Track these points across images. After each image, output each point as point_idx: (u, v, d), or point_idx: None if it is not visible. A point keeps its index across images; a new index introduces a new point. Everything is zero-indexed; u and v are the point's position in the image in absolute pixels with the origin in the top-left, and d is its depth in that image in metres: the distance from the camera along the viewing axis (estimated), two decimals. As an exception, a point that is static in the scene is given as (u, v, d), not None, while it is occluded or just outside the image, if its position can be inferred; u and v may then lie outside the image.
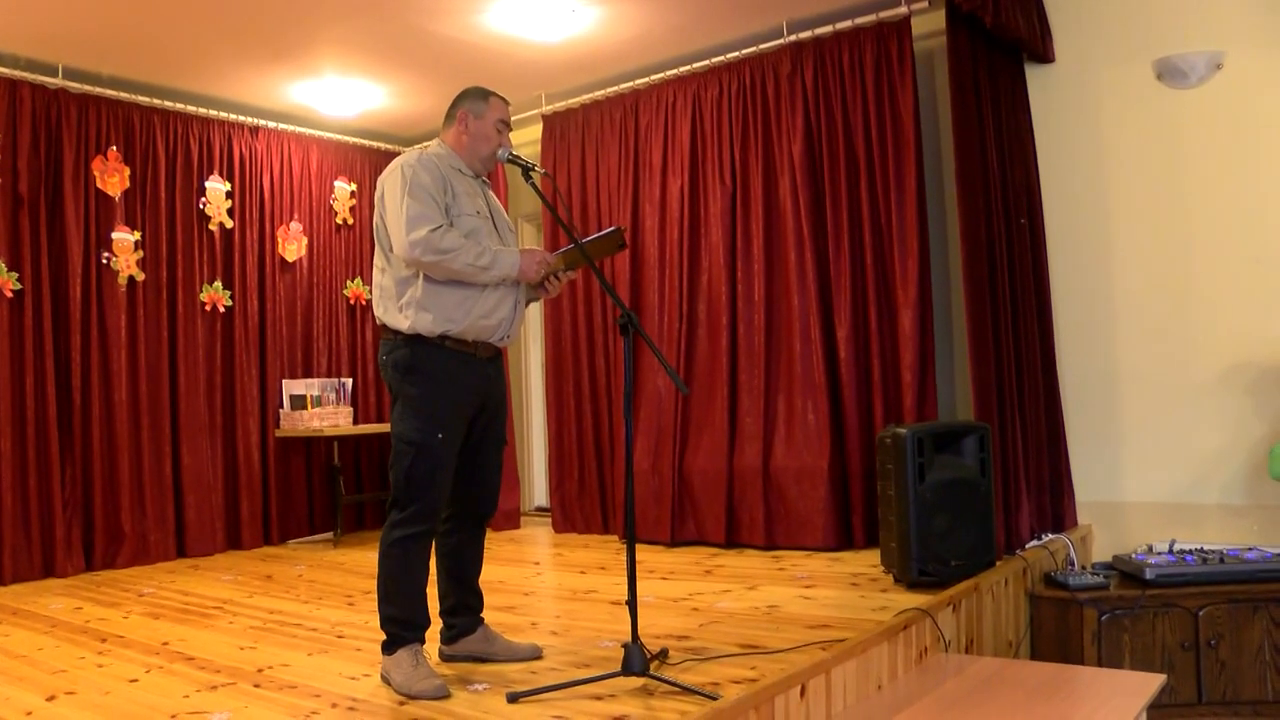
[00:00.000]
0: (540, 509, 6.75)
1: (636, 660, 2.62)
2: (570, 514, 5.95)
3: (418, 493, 2.83)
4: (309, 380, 6.29)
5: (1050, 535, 4.34)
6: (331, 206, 6.58)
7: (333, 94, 5.93)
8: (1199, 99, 4.38)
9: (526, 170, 3.00)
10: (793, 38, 5.08)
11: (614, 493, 5.73)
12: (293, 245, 6.31)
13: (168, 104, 5.69)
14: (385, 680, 2.82)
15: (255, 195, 6.14)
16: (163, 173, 5.68)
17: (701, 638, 3.18)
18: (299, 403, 6.17)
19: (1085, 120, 4.66)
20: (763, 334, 5.11)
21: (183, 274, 5.75)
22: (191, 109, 5.80)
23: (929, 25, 4.81)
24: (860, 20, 4.88)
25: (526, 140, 6.26)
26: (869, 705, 2.89)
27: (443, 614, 3.07)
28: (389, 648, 2.83)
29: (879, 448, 3.90)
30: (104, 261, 5.41)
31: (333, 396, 6.35)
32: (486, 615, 3.13)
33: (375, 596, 2.90)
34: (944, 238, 4.90)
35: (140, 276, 5.55)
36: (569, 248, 2.96)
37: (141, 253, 5.56)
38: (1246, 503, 4.24)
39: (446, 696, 2.67)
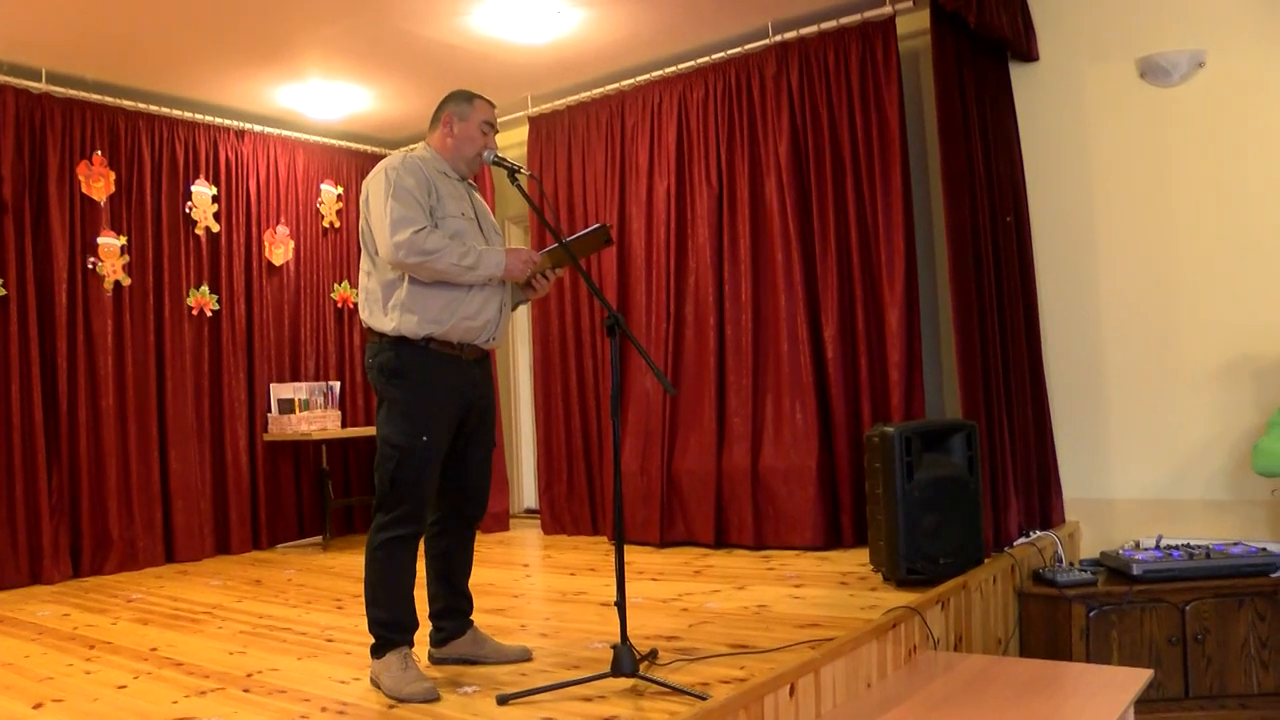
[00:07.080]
0: (529, 511, 6.74)
1: (626, 661, 2.62)
2: (559, 516, 5.95)
3: (403, 495, 2.82)
4: (297, 384, 6.27)
5: (1038, 532, 4.36)
6: (318, 210, 6.57)
7: (318, 97, 5.91)
8: (1182, 97, 4.41)
9: (512, 172, 3.01)
10: (778, 38, 5.09)
11: (603, 494, 5.73)
12: (279, 249, 6.29)
13: (153, 108, 5.67)
14: (375, 684, 2.82)
15: (241, 199, 6.12)
16: (148, 177, 5.66)
17: (691, 638, 3.18)
18: (287, 407, 6.16)
19: (1070, 118, 4.69)
20: (750, 334, 5.11)
21: (169, 278, 5.73)
22: (177, 113, 5.78)
23: (913, 25, 4.82)
24: (845, 20, 4.89)
25: (512, 142, 6.26)
26: (858, 704, 2.90)
27: (432, 617, 3.06)
28: (378, 651, 2.83)
29: (867, 447, 3.90)
30: (90, 266, 5.39)
31: (320, 400, 6.34)
32: (476, 617, 3.13)
33: (364, 600, 2.90)
34: (930, 236, 4.92)
35: (126, 281, 5.53)
36: (554, 246, 2.96)
37: (127, 257, 5.54)
38: (1230, 498, 4.26)
39: (436, 699, 2.67)
